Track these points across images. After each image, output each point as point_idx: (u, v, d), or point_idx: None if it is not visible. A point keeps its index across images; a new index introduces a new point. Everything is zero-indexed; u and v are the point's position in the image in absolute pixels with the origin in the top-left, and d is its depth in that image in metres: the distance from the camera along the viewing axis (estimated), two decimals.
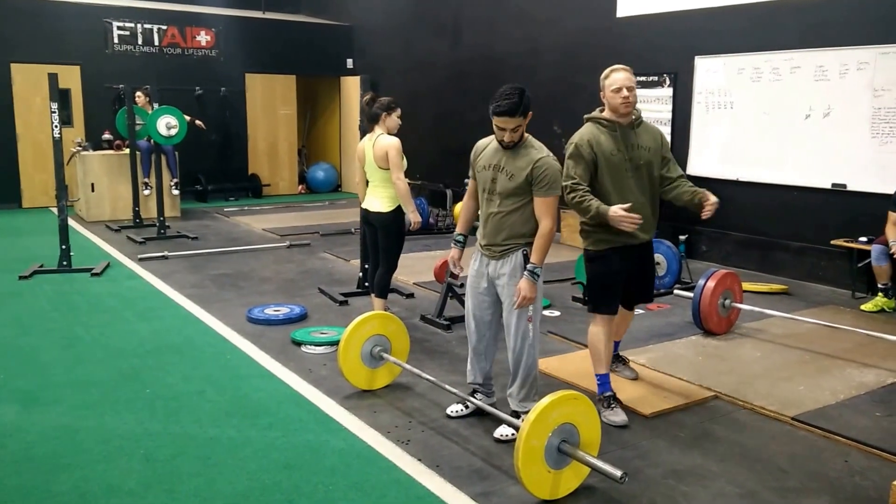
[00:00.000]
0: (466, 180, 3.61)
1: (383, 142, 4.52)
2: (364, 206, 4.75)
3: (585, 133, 3.46)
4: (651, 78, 7.47)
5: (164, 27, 11.13)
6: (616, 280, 3.50)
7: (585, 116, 3.55)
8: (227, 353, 4.43)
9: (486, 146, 3.30)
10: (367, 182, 4.70)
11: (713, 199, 3.44)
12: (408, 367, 3.72)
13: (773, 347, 4.58)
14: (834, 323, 4.81)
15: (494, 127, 3.11)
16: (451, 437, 3.29)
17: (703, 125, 7.08)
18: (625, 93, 3.36)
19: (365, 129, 4.97)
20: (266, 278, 6.36)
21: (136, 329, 4.84)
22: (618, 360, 4.01)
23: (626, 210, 3.25)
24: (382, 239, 4.68)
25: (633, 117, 3.47)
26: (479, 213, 3.35)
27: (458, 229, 3.53)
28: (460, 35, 10.18)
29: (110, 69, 10.50)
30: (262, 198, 11.87)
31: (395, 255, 4.73)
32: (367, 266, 5.62)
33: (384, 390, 3.82)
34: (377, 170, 4.56)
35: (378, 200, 4.61)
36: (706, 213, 3.42)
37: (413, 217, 4.59)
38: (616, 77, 3.39)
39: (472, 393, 3.52)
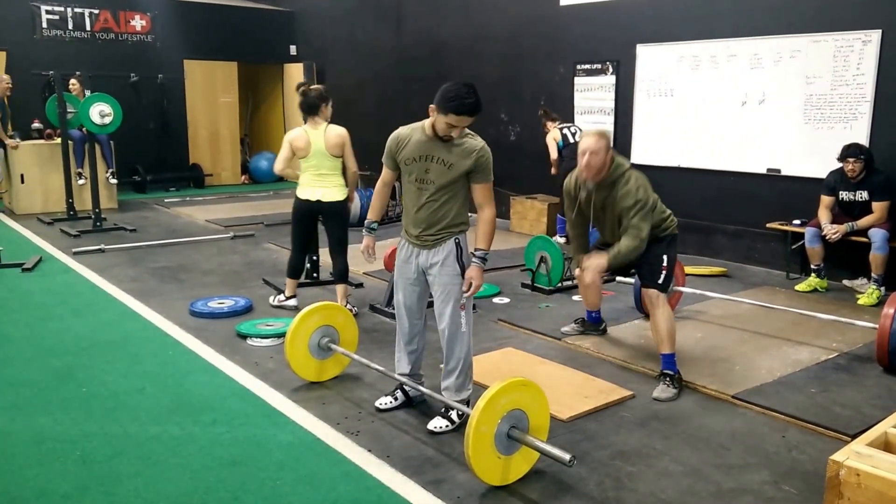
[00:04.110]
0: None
1: (337, 131, 4.67)
2: (315, 197, 4.72)
3: (571, 178, 4.05)
4: (594, 66, 7.55)
5: (97, 11, 10.70)
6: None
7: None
8: (169, 348, 4.30)
9: (410, 137, 3.16)
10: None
11: (584, 262, 3.93)
12: (356, 357, 3.68)
13: (713, 328, 4.71)
14: (770, 303, 4.98)
15: (444, 123, 2.98)
16: (400, 427, 3.27)
17: (645, 112, 7.20)
18: (586, 158, 3.71)
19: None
20: (209, 270, 6.20)
21: (70, 326, 4.66)
22: (591, 325, 4.53)
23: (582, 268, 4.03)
24: (337, 227, 4.83)
25: (602, 177, 3.78)
26: (408, 204, 3.24)
27: (370, 216, 3.46)
28: (404, 21, 10.10)
29: (39, 55, 10.03)
30: (204, 188, 11.57)
31: (346, 240, 4.89)
32: (315, 257, 5.59)
33: (333, 382, 3.77)
34: (329, 158, 4.65)
35: (332, 190, 4.71)
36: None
37: (353, 205, 4.82)
38: (583, 142, 3.76)
39: (402, 385, 3.47)
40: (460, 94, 2.94)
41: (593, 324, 4.52)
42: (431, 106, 3.03)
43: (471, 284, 3.10)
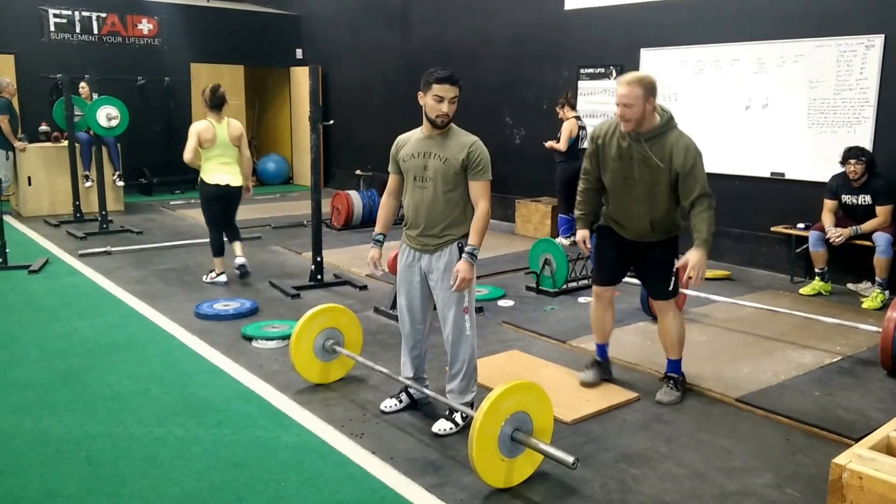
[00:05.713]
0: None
1: (236, 124, 5.61)
2: (224, 182, 5.50)
3: (605, 125, 3.54)
4: (598, 70, 7.56)
5: (104, 15, 10.75)
6: (603, 254, 3.73)
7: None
8: (174, 350, 4.32)
9: (409, 139, 3.26)
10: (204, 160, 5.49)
11: (689, 265, 3.35)
12: (361, 359, 3.69)
13: (717, 331, 4.71)
14: (774, 307, 4.98)
15: (431, 100, 3.06)
16: (405, 429, 3.28)
17: None
18: (619, 110, 3.31)
19: (316, 119, 5.42)
20: None
21: (76, 327, 4.68)
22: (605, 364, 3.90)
23: (581, 238, 3.71)
24: (235, 207, 5.76)
25: (644, 129, 3.34)
26: (408, 205, 3.25)
27: (378, 229, 3.42)
28: (409, 25, 10.13)
29: (47, 58, 10.10)
30: None
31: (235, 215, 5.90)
32: (319, 258, 5.65)
33: (338, 384, 3.78)
34: (232, 148, 5.52)
35: (236, 176, 5.57)
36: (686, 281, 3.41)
37: (250, 185, 5.79)
38: (616, 91, 3.33)
39: (407, 388, 3.49)
40: (438, 68, 3.13)
41: (607, 362, 3.90)
42: (419, 93, 3.12)
43: (457, 278, 3.05)
